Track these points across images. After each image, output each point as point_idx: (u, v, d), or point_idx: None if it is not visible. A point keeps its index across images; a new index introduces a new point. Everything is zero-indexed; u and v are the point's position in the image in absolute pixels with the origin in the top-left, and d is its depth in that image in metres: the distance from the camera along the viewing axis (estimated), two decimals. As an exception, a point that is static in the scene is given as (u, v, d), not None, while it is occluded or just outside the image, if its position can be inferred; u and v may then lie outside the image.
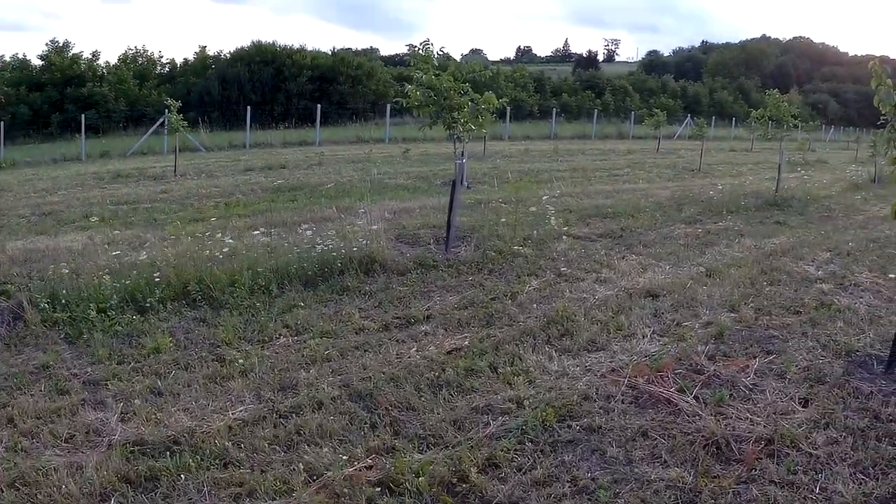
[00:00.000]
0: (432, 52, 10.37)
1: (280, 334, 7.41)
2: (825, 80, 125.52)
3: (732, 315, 8.02)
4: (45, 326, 7.61)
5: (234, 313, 8.00)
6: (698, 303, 8.41)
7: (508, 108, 47.07)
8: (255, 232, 10.89)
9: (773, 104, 19.55)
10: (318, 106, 41.30)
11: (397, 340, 7.19)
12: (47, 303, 7.98)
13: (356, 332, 7.45)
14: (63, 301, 8.01)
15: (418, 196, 17.45)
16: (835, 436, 5.17)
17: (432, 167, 24.05)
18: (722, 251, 11.60)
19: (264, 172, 23.65)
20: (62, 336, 7.41)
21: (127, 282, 8.47)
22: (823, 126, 72.85)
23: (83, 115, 36.26)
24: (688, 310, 8.16)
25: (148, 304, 8.14)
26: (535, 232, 11.76)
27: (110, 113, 50.84)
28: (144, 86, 55.72)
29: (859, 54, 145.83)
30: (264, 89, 57.42)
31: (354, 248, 9.69)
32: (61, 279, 8.56)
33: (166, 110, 24.37)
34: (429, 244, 11.26)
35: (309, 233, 10.64)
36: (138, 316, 7.89)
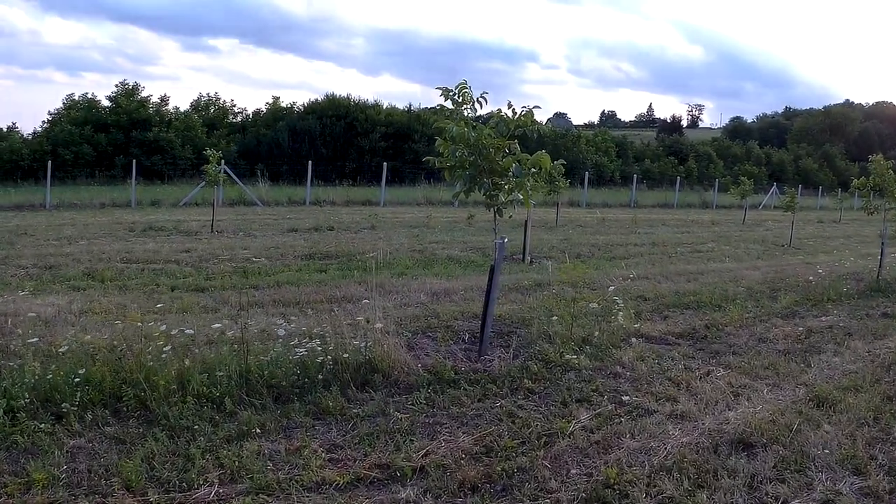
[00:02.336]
0: (470, 95, 7.96)
1: (206, 479, 5.11)
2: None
3: (857, 481, 5.54)
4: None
5: (164, 435, 5.76)
6: (810, 459, 5.84)
7: (587, 173, 44.86)
8: (216, 325, 8.36)
9: (877, 171, 16.78)
10: (385, 164, 39.41)
11: (361, 514, 4.78)
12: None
13: (308, 490, 5.07)
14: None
15: (469, 273, 15.06)
16: None
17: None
18: (830, 361, 9.04)
19: (308, 234, 21.59)
20: (-45, 440, 5.46)
21: (48, 376, 6.44)
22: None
23: (133, 161, 35.07)
24: (796, 473, 5.60)
25: (64, 410, 6.06)
26: (597, 331, 9.23)
27: (176, 160, 49.74)
28: (213, 134, 54.59)
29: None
30: (336, 144, 56.02)
31: (346, 354, 7.28)
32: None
33: (219, 161, 22.10)
34: (460, 343, 8.87)
35: (291, 325, 8.28)
36: (47, 424, 5.83)
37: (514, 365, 7.94)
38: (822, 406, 7.19)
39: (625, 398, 7.11)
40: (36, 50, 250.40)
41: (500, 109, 8.04)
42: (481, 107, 8.04)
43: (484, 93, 8.06)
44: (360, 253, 17.12)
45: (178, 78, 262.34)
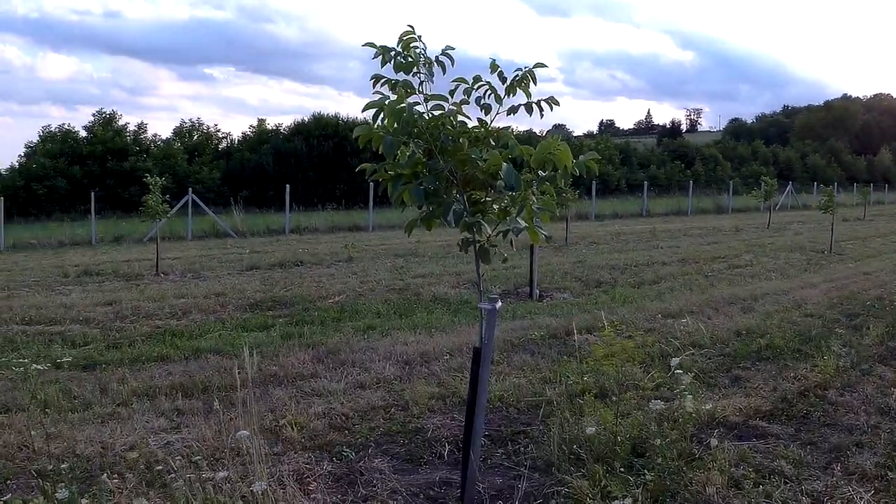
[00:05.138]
0: (423, 55, 4.54)
1: None
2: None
3: None
4: None
5: None
6: None
7: (594, 182, 41.37)
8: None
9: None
10: (372, 184, 35.79)
11: None
12: None
13: None
14: None
15: (460, 320, 11.41)
16: None
17: (499, 263, 17.03)
18: None
19: (268, 272, 17.92)
20: None
21: None
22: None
23: (92, 194, 31.53)
24: None
25: None
26: (658, 438, 5.47)
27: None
28: (195, 161, 51.25)
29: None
30: (324, 165, 52.43)
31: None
32: None
33: (162, 189, 18.62)
34: (433, 465, 5.42)
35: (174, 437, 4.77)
36: None
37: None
38: None
39: None
40: (31, 85, 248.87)
41: (478, 76, 4.63)
42: (444, 72, 4.63)
43: (448, 48, 4.67)
44: (322, 297, 13.59)
45: (174, 108, 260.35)
